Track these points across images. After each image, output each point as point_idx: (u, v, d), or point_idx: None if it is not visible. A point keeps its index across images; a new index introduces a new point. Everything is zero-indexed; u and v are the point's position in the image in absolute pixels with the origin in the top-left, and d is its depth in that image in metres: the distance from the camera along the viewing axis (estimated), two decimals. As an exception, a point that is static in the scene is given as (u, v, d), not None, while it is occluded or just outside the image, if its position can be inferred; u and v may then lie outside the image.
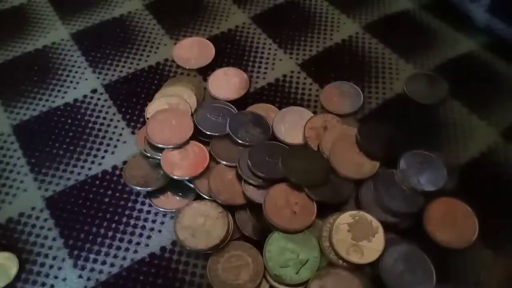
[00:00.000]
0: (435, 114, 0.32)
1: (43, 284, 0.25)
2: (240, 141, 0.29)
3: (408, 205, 0.26)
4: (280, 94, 0.33)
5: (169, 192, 0.29)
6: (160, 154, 0.29)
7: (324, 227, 0.26)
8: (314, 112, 0.32)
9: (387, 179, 0.27)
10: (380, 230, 0.25)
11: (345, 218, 0.26)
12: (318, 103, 0.33)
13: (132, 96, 0.34)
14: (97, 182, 0.29)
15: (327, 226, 0.26)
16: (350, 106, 0.32)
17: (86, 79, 0.35)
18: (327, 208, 0.26)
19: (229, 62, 0.36)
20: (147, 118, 0.31)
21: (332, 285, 0.24)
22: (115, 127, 0.32)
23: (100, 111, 0.33)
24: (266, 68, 0.35)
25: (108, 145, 0.31)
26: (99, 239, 0.27)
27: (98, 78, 0.35)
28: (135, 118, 0.33)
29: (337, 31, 0.37)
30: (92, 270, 0.26)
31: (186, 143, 0.29)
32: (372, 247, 0.25)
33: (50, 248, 0.27)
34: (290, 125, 0.30)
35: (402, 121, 0.31)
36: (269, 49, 0.36)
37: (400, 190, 0.27)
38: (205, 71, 0.35)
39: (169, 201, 0.28)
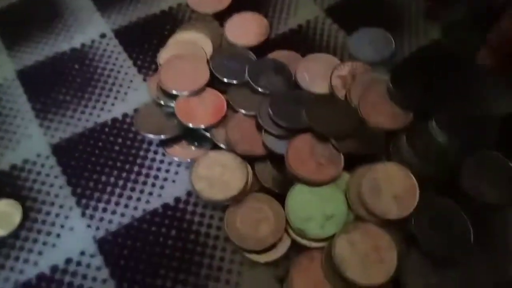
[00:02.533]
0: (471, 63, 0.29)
1: (49, 233, 0.24)
2: (260, 89, 0.27)
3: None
4: (303, 42, 0.31)
5: (184, 141, 0.27)
6: (174, 102, 0.27)
7: (352, 180, 0.24)
8: (340, 61, 0.29)
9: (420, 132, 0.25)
10: (415, 184, 0.23)
11: (376, 171, 0.24)
12: (345, 51, 0.30)
13: (143, 42, 0.31)
14: (107, 129, 0.27)
15: (355, 179, 0.24)
16: (380, 54, 0.29)
17: (94, 24, 0.32)
18: (356, 160, 0.24)
19: (247, 6, 0.33)
20: (160, 65, 0.29)
21: (361, 240, 0.22)
22: (126, 73, 0.30)
23: (109, 57, 0.31)
24: (288, 14, 0.32)
25: (118, 92, 0.29)
26: (109, 188, 0.25)
27: (107, 22, 0.32)
28: (147, 65, 0.30)
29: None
30: (101, 219, 0.24)
31: (202, 89, 0.27)
32: (405, 203, 0.23)
33: (57, 196, 0.25)
34: (315, 74, 0.28)
35: (436, 69, 0.29)
36: (292, -7, 0.33)
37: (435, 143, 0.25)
38: (221, 16, 0.32)
39: (183, 151, 0.26)
